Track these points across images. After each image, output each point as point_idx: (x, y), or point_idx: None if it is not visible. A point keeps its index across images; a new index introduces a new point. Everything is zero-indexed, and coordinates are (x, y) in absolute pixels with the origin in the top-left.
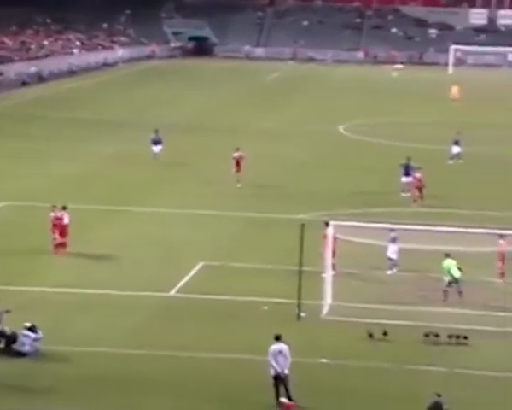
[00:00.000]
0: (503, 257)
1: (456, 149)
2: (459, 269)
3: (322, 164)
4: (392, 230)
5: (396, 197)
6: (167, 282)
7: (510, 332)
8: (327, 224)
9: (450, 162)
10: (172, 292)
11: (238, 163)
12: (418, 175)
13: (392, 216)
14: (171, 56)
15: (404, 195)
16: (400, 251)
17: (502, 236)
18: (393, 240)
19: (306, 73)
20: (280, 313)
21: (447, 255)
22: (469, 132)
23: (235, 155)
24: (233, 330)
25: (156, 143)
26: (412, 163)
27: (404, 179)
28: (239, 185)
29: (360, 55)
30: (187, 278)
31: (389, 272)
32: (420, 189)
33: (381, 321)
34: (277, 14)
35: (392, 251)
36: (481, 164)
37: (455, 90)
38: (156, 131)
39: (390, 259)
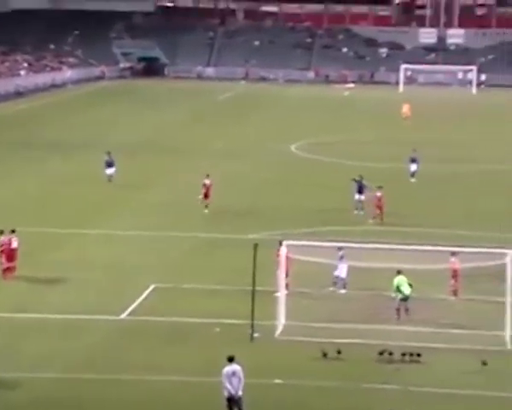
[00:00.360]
0: (455, 274)
1: (413, 167)
2: (410, 286)
3: (274, 183)
4: (340, 248)
5: (349, 215)
6: (118, 305)
7: (462, 349)
8: (280, 243)
9: (413, 180)
10: (124, 315)
11: (207, 190)
12: (378, 194)
13: (346, 234)
14: (120, 77)
15: (356, 213)
16: (353, 269)
17: (453, 253)
18: (341, 258)
19: (258, 92)
20: (233, 334)
21: (399, 272)
22: (421, 150)
23: (206, 182)
24: (186, 352)
25: (109, 165)
26: (365, 181)
27: (357, 197)
28: (206, 211)
29: (311, 74)
30: (138, 300)
31: (331, 289)
32: (380, 208)
33: (334, 340)
34: (228, 34)
35: (340, 270)
36: (434, 182)
37: (406, 108)
38: (109, 154)
39: (339, 277)
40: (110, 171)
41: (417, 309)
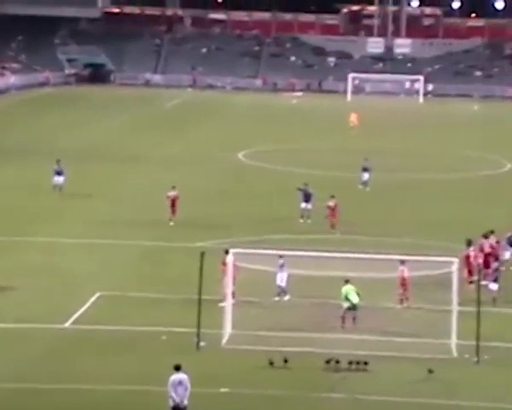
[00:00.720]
0: (404, 283)
1: (365, 176)
2: (358, 294)
3: (222, 191)
4: (280, 257)
5: (296, 224)
6: (63, 313)
7: (409, 357)
8: (227, 251)
9: (367, 189)
10: (68, 324)
11: (173, 203)
12: (331, 203)
13: (293, 243)
14: (65, 83)
15: (303, 221)
16: (300, 278)
17: (402, 262)
18: (282, 267)
19: (206, 100)
20: (179, 343)
21: (346, 281)
22: (369, 159)
23: (171, 194)
24: (131, 360)
25: (59, 173)
26: (310, 189)
27: (304, 205)
28: (172, 224)
29: (259, 82)
30: (83, 308)
31: (277, 299)
32: (332, 217)
33: (281, 349)
34: (175, 41)
35: (280, 278)
36: (383, 191)
37: (353, 117)
38: (58, 162)
39: (280, 286)
40: (59, 179)
41: (365, 318)
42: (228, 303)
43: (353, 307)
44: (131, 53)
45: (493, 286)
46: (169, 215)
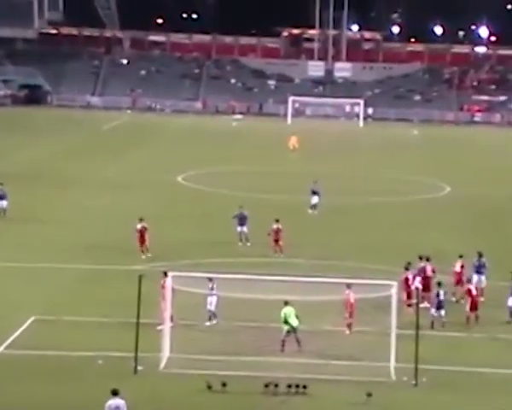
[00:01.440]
0: (349, 306)
1: (314, 200)
2: (297, 317)
3: (161, 214)
4: (210, 280)
5: (235, 247)
6: None
7: (348, 381)
8: (165, 274)
9: (315, 212)
10: (0, 348)
11: (142, 235)
12: (275, 227)
13: (233, 266)
14: (0, 105)
15: (241, 244)
16: (241, 301)
17: (349, 286)
18: (212, 290)
19: (145, 122)
20: (117, 368)
21: (286, 303)
22: (308, 183)
23: (139, 226)
24: (67, 386)
25: (1, 197)
26: (245, 212)
27: (239, 229)
28: (143, 257)
29: (199, 105)
30: (16, 333)
31: (207, 324)
32: (277, 241)
33: (220, 372)
34: (114, 62)
35: (209, 302)
36: (328, 214)
37: (293, 140)
38: (1, 185)
39: (209, 310)
40: (2, 203)
41: (305, 341)
42: (166, 327)
43: (293, 330)
44: (69, 74)
45: (437, 312)
46: (139, 249)
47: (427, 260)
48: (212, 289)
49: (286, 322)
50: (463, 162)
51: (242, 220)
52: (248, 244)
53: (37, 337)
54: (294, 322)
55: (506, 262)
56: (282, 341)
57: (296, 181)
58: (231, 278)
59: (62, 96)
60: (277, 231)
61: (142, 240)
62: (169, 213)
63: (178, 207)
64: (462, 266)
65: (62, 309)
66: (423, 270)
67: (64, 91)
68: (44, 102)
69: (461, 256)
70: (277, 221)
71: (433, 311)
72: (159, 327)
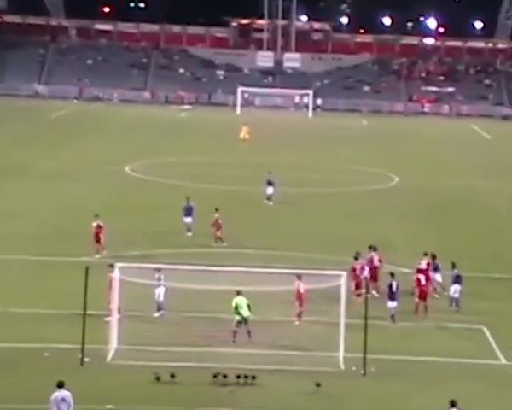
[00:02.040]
0: (299, 296)
1: (270, 190)
2: (248, 307)
3: (107, 205)
4: (158, 270)
5: (182, 238)
6: None
7: (298, 371)
8: (111, 266)
9: (270, 203)
10: None
11: (97, 234)
12: (216, 216)
13: (179, 257)
14: None
15: (190, 234)
16: (190, 292)
17: (299, 276)
18: (159, 280)
19: (92, 112)
20: (63, 359)
21: (238, 293)
22: (260, 173)
23: (94, 224)
24: (12, 378)
25: None
26: (192, 203)
27: (186, 219)
28: (97, 256)
29: (147, 95)
30: None
31: (156, 315)
32: (218, 229)
33: (168, 364)
34: (60, 51)
35: (157, 294)
36: (280, 205)
37: (245, 130)
38: None
39: (157, 301)
40: None
41: (255, 331)
42: (113, 318)
43: (244, 321)
44: (14, 63)
45: (391, 304)
46: (94, 247)
47: (375, 249)
48: (159, 279)
49: (237, 312)
50: (412, 153)
51: (188, 211)
52: (190, 234)
53: None
54: (246, 313)
55: (453, 253)
56: (233, 331)
57: (246, 171)
58: (179, 269)
59: (6, 84)
60: (217, 221)
61: (97, 239)
62: (116, 204)
63: (125, 198)
64: (427, 264)
65: (8, 301)
66: (371, 260)
67: (7, 80)
68: None
69: (426, 254)
70: (217, 210)
71: (389, 303)
72: (106, 319)
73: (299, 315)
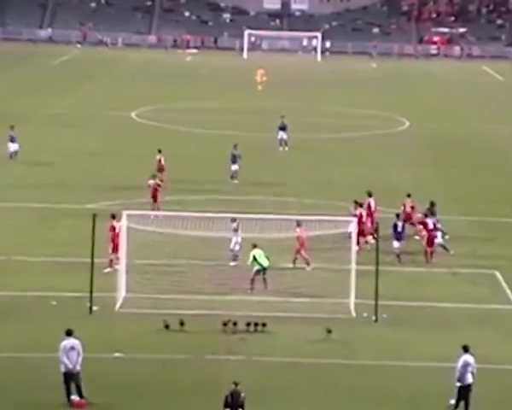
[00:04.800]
0: (301, 243)
1: (283, 135)
2: (267, 258)
3: (114, 151)
4: (234, 220)
5: (193, 185)
6: None
7: (308, 318)
8: (113, 216)
9: (281, 149)
10: None
11: (155, 192)
12: (158, 157)
13: (190, 204)
14: None
15: (235, 182)
16: (201, 239)
17: (299, 223)
18: (236, 231)
19: (96, 56)
20: (71, 308)
21: (255, 246)
22: (273, 118)
23: (151, 182)
24: (20, 327)
25: None
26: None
27: (232, 167)
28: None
29: (152, 39)
30: None
31: (232, 264)
32: (160, 171)
33: (178, 311)
34: None
35: (233, 243)
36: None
37: (260, 73)
38: None
39: (234, 250)
40: None
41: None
42: (122, 266)
43: (263, 270)
44: (14, 6)
45: (396, 244)
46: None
47: (370, 195)
48: (235, 230)
49: (256, 262)
50: (423, 96)
51: (235, 158)
52: (236, 182)
53: None
54: (265, 262)
55: (465, 198)
56: (251, 280)
57: (257, 117)
58: (187, 216)
59: (7, 29)
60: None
61: (154, 198)
62: (123, 150)
63: (132, 144)
64: (412, 207)
65: (14, 249)
66: (368, 206)
67: (8, 24)
68: None
69: (409, 196)
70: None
71: (395, 243)
72: (105, 270)
73: (307, 262)
